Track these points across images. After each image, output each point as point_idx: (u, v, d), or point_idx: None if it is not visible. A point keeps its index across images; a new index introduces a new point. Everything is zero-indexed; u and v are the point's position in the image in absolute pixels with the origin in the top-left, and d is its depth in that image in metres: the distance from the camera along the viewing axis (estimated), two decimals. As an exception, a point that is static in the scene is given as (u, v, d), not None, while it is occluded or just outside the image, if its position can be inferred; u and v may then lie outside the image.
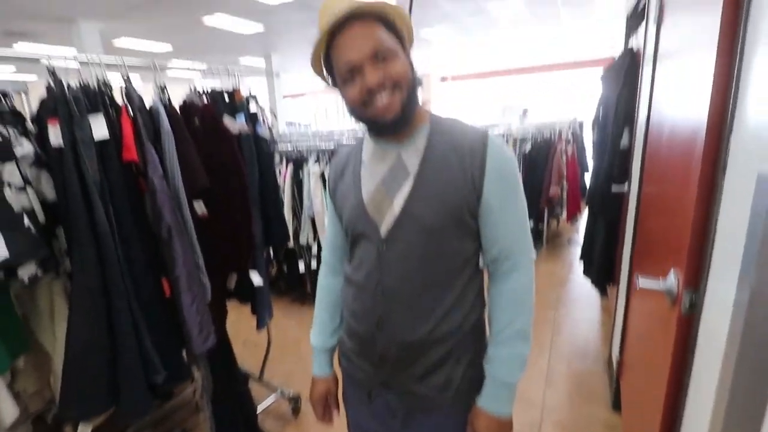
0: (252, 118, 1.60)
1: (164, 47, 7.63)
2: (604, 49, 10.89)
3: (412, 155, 0.79)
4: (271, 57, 9.06)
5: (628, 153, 2.03)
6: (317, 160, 2.81)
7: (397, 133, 0.79)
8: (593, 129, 2.68)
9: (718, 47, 0.72)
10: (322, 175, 2.75)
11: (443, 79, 13.41)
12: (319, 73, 0.82)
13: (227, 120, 1.49)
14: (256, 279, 1.58)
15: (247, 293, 1.65)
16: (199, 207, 1.40)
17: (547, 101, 12.14)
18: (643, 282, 0.93)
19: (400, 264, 0.79)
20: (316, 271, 2.93)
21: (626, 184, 2.06)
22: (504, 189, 0.77)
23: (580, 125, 5.38)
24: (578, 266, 3.54)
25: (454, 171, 0.76)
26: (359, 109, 0.76)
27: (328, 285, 0.99)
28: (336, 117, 15.37)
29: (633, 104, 1.97)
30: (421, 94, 0.81)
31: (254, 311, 1.72)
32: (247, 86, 1.78)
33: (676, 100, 1.06)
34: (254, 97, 1.69)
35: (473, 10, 6.33)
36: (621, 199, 2.17)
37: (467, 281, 0.82)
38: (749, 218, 0.58)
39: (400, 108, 0.74)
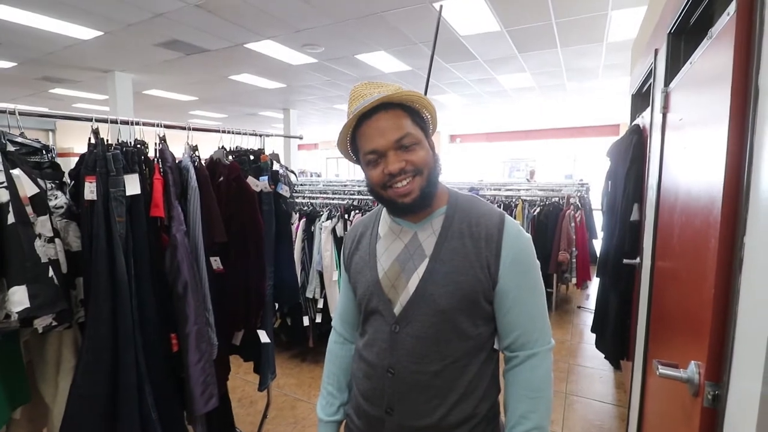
0: (274, 177, 1.67)
1: (189, 98, 8.09)
2: (607, 119, 11.35)
3: (428, 236, 0.82)
4: (290, 111, 9.53)
5: (638, 227, 2.05)
6: (330, 217, 2.86)
7: (415, 214, 0.82)
8: (603, 200, 2.74)
9: (729, 135, 0.76)
10: (333, 230, 2.79)
11: (453, 138, 13.91)
12: (344, 151, 0.87)
13: (251, 180, 1.55)
14: (264, 338, 1.56)
15: (252, 351, 1.63)
16: (215, 262, 1.43)
17: (552, 164, 12.46)
18: (663, 370, 0.91)
19: (412, 345, 0.79)
20: (320, 325, 2.88)
21: (638, 257, 2.06)
22: (520, 276, 0.78)
23: (587, 189, 5.48)
24: (589, 335, 3.45)
25: (469, 256, 0.78)
26: (380, 190, 0.80)
27: (337, 352, 0.98)
28: (347, 167, 15.78)
29: (642, 180, 2.02)
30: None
31: (257, 370, 1.68)
32: (269, 145, 1.88)
33: (689, 184, 1.10)
34: (276, 156, 1.77)
35: (483, 79, 6.71)
36: (633, 272, 2.16)
37: (482, 365, 0.81)
38: (771, 320, 0.59)
39: (419, 192, 0.78)
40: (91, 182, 1.13)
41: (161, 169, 1.29)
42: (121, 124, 1.31)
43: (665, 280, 1.37)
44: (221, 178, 1.52)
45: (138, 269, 1.18)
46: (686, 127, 1.14)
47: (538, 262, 0.82)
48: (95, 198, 1.14)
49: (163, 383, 1.23)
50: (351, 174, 13.70)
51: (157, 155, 1.32)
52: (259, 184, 1.57)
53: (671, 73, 1.49)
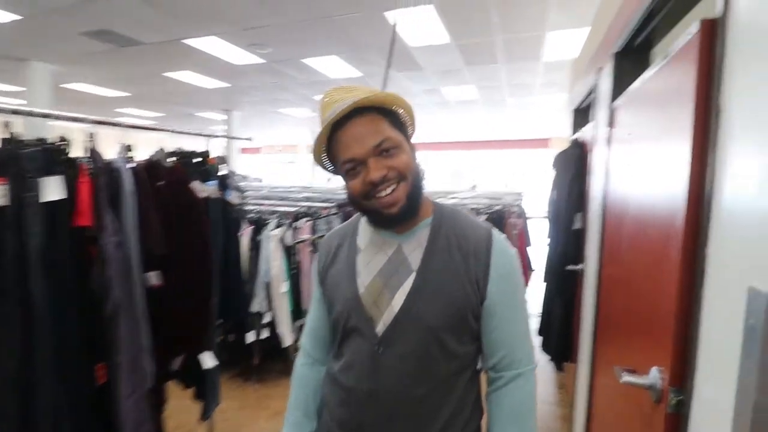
0: (222, 182, 1.53)
1: (119, 93, 7.42)
2: (540, 133, 12.18)
3: (414, 249, 0.77)
4: (232, 113, 9.09)
5: (581, 235, 2.16)
6: (278, 225, 2.72)
7: (400, 224, 0.77)
8: (549, 208, 2.88)
9: (691, 150, 0.80)
10: (282, 240, 2.66)
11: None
12: (320, 162, 0.80)
13: (196, 185, 1.41)
14: (209, 361, 1.41)
15: (194, 377, 1.46)
16: (153, 277, 1.26)
17: (493, 174, 13.12)
18: (627, 377, 0.93)
19: (397, 368, 0.73)
20: (267, 342, 2.71)
21: (581, 264, 2.17)
22: (508, 293, 0.76)
23: (523, 199, 5.77)
24: (532, 338, 3.59)
25: (459, 271, 0.74)
26: (362, 201, 0.74)
27: (305, 376, 0.90)
28: (292, 174, 15.39)
29: (583, 191, 2.14)
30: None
31: (199, 396, 1.52)
32: (212, 145, 1.73)
33: (643, 196, 1.15)
34: (224, 159, 1.64)
35: (430, 90, 6.88)
36: (576, 278, 2.27)
37: (466, 386, 0.77)
38: (743, 332, 0.61)
39: (406, 199, 0.73)
40: (2, 184, 0.95)
41: (89, 171, 1.12)
42: (39, 117, 1.12)
43: (615, 287, 1.44)
44: (161, 182, 1.37)
45: (58, 289, 1.00)
46: (637, 142, 1.20)
47: (523, 278, 0.80)
48: (6, 203, 0.96)
49: (85, 423, 1.05)
50: (304, 179, 13.38)
51: (84, 155, 1.14)
52: (205, 189, 1.43)
53: (617, 90, 1.58)
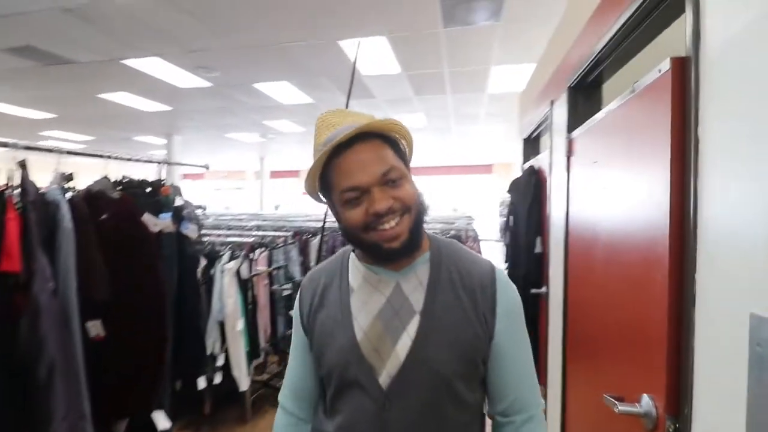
0: (177, 214, 1.39)
1: (43, 115, 6.77)
2: (483, 159, 12.84)
3: (414, 287, 0.71)
4: (173, 137, 8.62)
5: (542, 258, 2.23)
6: (233, 256, 2.54)
7: (398, 261, 0.71)
8: (503, 234, 2.96)
9: (671, 179, 0.83)
10: (237, 273, 2.48)
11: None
12: (312, 188, 0.73)
13: (147, 218, 1.26)
14: (162, 422, 1.23)
15: (143, 438, 1.26)
16: (94, 327, 1.09)
17: (440, 199, 13.51)
18: (622, 408, 0.92)
19: (407, 426, 0.66)
20: (221, 387, 2.47)
21: (544, 287, 2.22)
22: (514, 331, 0.72)
23: (472, 222, 5.95)
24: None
25: (466, 310, 0.69)
26: (360, 234, 0.67)
27: None
28: (239, 201, 14.80)
29: (542, 216, 2.22)
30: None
31: (148, 459, 1.31)
32: (145, 174, 1.58)
33: (615, 221, 1.19)
34: (178, 189, 1.49)
35: (380, 116, 7.00)
36: (539, 301, 2.32)
37: None
38: (749, 358, 0.61)
39: (408, 233, 0.67)
40: None
41: (18, 205, 0.94)
42: (-48, 142, 0.94)
43: (587, 310, 1.46)
44: (104, 216, 1.20)
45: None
46: (604, 169, 1.26)
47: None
48: None
49: None
50: (251, 206, 12.89)
51: (12, 185, 0.97)
52: (158, 222, 1.28)
53: (573, 121, 1.67)
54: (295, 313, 0.80)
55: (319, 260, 4.06)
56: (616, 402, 0.95)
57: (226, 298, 2.40)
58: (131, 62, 4.37)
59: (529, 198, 2.31)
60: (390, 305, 0.70)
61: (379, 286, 0.72)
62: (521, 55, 4.38)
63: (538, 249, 2.24)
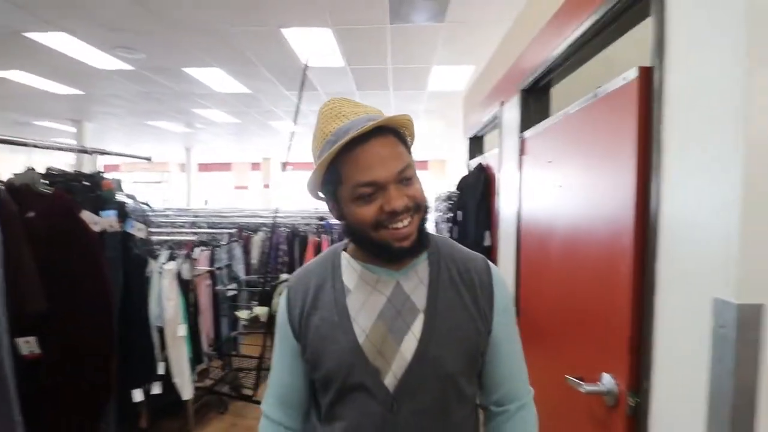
0: (121, 211, 1.23)
1: None
2: (419, 156, 13.26)
3: (415, 286, 0.70)
4: (83, 124, 7.69)
5: (491, 250, 2.34)
6: (172, 256, 2.33)
7: (406, 259, 0.70)
8: (450, 229, 3.07)
9: (636, 178, 0.91)
10: (178, 274, 2.28)
11: (285, 165, 13.74)
12: (318, 181, 0.69)
13: (87, 216, 1.10)
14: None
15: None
16: (27, 345, 0.93)
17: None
18: (588, 387, 1.00)
19: (417, 426, 0.65)
20: (159, 398, 2.27)
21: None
22: (509, 324, 0.75)
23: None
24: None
25: (468, 307, 0.70)
26: (370, 232, 0.65)
27: None
28: (160, 194, 13.65)
29: (491, 211, 2.34)
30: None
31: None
32: (56, 161, 1.40)
33: (573, 216, 1.28)
34: (119, 182, 1.33)
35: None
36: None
37: (474, 427, 0.73)
38: (712, 339, 0.70)
39: (417, 234, 0.66)
40: None
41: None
42: None
43: (540, 299, 1.57)
44: (31, 214, 1.03)
45: None
46: (561, 168, 1.35)
47: None
48: None
49: None
50: (176, 201, 11.91)
51: None
52: (100, 221, 1.13)
53: (525, 122, 1.78)
54: (281, 317, 0.74)
55: (268, 258, 3.89)
56: (580, 382, 1.03)
57: (166, 301, 2.20)
58: (35, 35, 3.80)
59: (478, 194, 2.42)
60: (391, 305, 0.68)
61: (377, 285, 0.70)
62: (461, 57, 4.54)
63: (487, 242, 2.35)
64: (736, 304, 0.65)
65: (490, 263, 0.77)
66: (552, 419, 1.53)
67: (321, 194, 0.72)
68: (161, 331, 2.23)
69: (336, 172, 0.65)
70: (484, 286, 0.72)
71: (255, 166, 13.84)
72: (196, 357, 2.39)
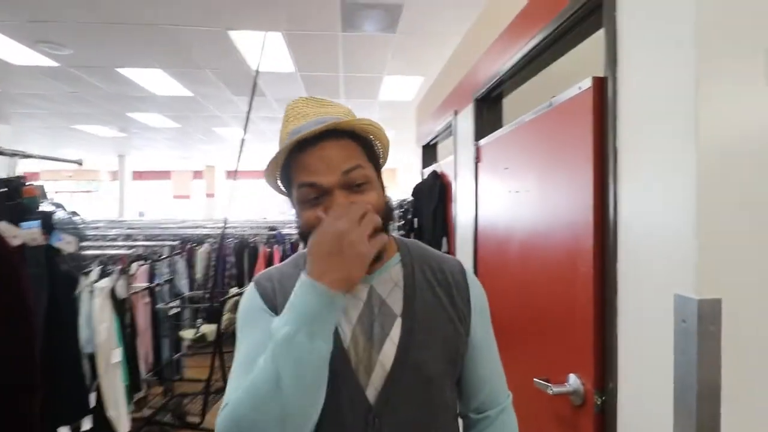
0: (46, 222, 1.08)
1: None
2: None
3: (390, 289, 0.67)
4: (-5, 127, 6.87)
5: (447, 257, 2.37)
6: (105, 272, 2.11)
7: None
8: (406, 235, 3.08)
9: (593, 182, 0.94)
10: (112, 292, 2.06)
11: (229, 174, 13.19)
12: (272, 181, 0.68)
13: (4, 227, 0.95)
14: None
15: None
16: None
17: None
18: (556, 389, 1.02)
19: None
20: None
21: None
22: (485, 325, 0.74)
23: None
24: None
25: (446, 308, 0.68)
26: None
27: None
28: (90, 205, 12.50)
29: (447, 216, 2.37)
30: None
31: None
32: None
33: (531, 221, 1.31)
34: (42, 189, 1.18)
35: (270, 117, 6.69)
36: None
37: None
38: (675, 333, 0.73)
39: None
40: None
41: None
42: None
43: (500, 303, 1.59)
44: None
45: None
46: (517, 174, 1.39)
47: None
48: None
49: None
50: (106, 212, 10.95)
51: None
52: (20, 233, 0.98)
53: (479, 130, 1.82)
54: (253, 304, 0.65)
55: (215, 271, 3.64)
56: (548, 384, 1.04)
57: (98, 324, 1.97)
58: (-66, 25, 3.34)
59: (434, 201, 2.44)
60: (368, 310, 0.65)
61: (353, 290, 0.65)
62: (412, 67, 4.63)
63: (444, 248, 2.37)
64: (697, 300, 0.68)
65: (463, 264, 0.75)
66: (520, 422, 1.54)
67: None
68: (92, 357, 2.00)
69: (289, 171, 0.64)
70: (460, 287, 0.70)
71: (197, 174, 13.13)
72: (133, 385, 2.16)
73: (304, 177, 0.61)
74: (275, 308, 0.64)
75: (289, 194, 0.68)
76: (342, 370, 0.60)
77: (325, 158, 0.60)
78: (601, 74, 0.94)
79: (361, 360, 0.62)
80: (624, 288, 0.88)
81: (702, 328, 0.68)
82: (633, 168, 0.86)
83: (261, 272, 0.72)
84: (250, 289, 0.68)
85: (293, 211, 0.69)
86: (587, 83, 0.96)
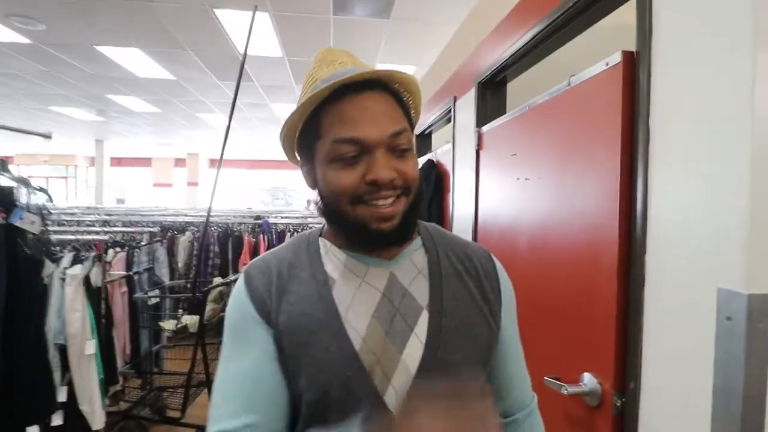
0: (6, 201, 0.96)
1: None
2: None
3: (413, 277, 0.58)
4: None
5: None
6: (78, 258, 1.97)
7: (387, 248, 0.58)
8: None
9: (620, 169, 0.87)
10: (87, 280, 1.92)
11: (213, 162, 12.90)
12: (290, 140, 0.59)
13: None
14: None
15: None
16: None
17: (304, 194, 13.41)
18: (571, 389, 0.95)
19: None
20: (61, 430, 1.89)
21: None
22: (514, 318, 0.66)
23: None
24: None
25: (477, 301, 0.59)
26: (344, 205, 0.53)
27: None
28: (65, 191, 12.05)
29: (444, 207, 2.29)
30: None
31: None
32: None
33: (545, 210, 1.24)
34: (5, 163, 1.04)
35: (256, 104, 6.49)
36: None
37: None
38: (717, 329, 0.66)
39: (401, 218, 0.54)
40: None
41: None
42: None
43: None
44: None
45: None
46: (527, 161, 1.31)
47: None
48: None
49: None
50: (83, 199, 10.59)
51: None
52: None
53: (482, 116, 1.74)
54: (241, 310, 0.55)
55: (198, 260, 3.49)
56: (561, 384, 0.98)
57: (70, 313, 1.83)
58: None
59: (430, 191, 2.36)
60: (387, 301, 0.55)
61: (367, 277, 0.57)
62: (404, 56, 4.52)
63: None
64: (746, 294, 0.61)
65: (489, 252, 0.67)
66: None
67: (297, 155, 0.61)
68: (63, 349, 1.86)
69: (317, 124, 0.54)
70: (490, 277, 0.62)
71: (179, 161, 12.76)
72: (108, 378, 2.03)
73: (342, 131, 0.52)
74: (269, 313, 0.53)
75: (307, 153, 0.58)
76: (358, 375, 0.51)
77: (370, 111, 0.52)
78: (631, 49, 0.86)
79: (380, 360, 0.53)
80: (653, 281, 0.81)
81: (751, 326, 0.61)
82: (668, 153, 0.78)
83: (254, 261, 0.61)
84: (239, 286, 0.58)
85: (305, 179, 0.60)
86: (616, 58, 0.88)
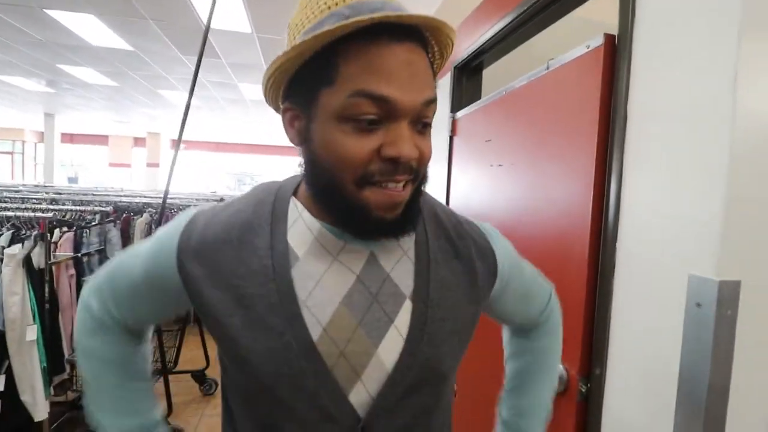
0: None
1: None
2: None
3: (396, 260, 0.50)
4: None
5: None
6: (18, 238, 1.80)
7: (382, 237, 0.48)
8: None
9: (596, 155, 0.86)
10: (27, 261, 1.77)
11: (177, 143, 12.31)
12: (280, 79, 0.46)
13: None
14: None
15: None
16: None
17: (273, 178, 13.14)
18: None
19: None
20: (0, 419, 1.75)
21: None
22: (513, 262, 0.60)
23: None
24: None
25: (464, 288, 0.53)
26: (349, 184, 0.43)
27: (109, 352, 0.57)
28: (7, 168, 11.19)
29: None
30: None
31: None
32: None
33: (517, 198, 1.22)
34: None
35: (224, 83, 6.21)
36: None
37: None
38: (685, 316, 0.66)
39: (406, 207, 0.46)
40: None
41: None
42: None
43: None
44: None
45: None
46: (501, 147, 1.29)
47: None
48: None
49: None
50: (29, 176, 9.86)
51: None
52: None
53: (457, 101, 1.71)
54: (164, 264, 0.48)
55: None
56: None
57: (8, 296, 1.68)
58: None
59: (401, 177, 2.32)
60: (363, 287, 0.47)
61: (341, 256, 0.48)
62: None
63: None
64: (717, 281, 0.61)
65: (486, 226, 0.60)
66: (490, 411, 1.49)
67: (283, 101, 0.48)
68: (2, 335, 1.71)
69: (330, 65, 0.41)
70: (486, 254, 0.55)
71: (139, 141, 12.09)
72: (54, 366, 1.90)
73: (370, 82, 0.40)
74: (208, 287, 0.46)
75: (305, 103, 0.45)
76: (313, 369, 0.45)
77: (413, 68, 0.41)
78: (612, 32, 0.84)
79: (346, 353, 0.46)
80: (623, 268, 0.81)
81: (720, 313, 0.62)
82: (644, 140, 0.77)
83: (207, 212, 0.50)
84: (171, 234, 0.49)
85: (287, 131, 0.47)
86: (598, 41, 0.86)
